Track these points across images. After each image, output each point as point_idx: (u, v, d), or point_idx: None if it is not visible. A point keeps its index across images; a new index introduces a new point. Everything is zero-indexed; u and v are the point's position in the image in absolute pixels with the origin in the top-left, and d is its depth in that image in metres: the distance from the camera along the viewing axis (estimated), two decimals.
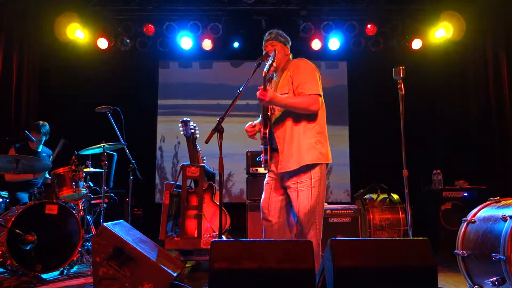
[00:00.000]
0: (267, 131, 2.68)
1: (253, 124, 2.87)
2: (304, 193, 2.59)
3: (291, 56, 2.86)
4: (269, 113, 2.73)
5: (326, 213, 4.36)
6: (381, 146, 6.38)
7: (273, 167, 2.75)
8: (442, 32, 5.92)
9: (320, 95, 2.64)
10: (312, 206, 2.59)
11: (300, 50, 6.13)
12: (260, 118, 2.94)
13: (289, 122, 2.66)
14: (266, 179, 2.82)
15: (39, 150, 4.50)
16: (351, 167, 6.90)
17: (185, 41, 6.22)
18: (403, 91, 2.94)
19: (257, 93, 2.53)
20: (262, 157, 2.74)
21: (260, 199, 2.81)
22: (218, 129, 2.51)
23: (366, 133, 6.72)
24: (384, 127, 6.31)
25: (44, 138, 4.46)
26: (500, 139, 5.37)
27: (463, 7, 5.75)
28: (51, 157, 4.58)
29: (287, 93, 2.66)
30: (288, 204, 2.72)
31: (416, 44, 6.15)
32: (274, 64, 2.60)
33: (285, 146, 2.65)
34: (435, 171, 4.84)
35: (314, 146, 2.62)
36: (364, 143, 6.72)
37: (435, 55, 6.18)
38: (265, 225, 2.73)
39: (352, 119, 7.00)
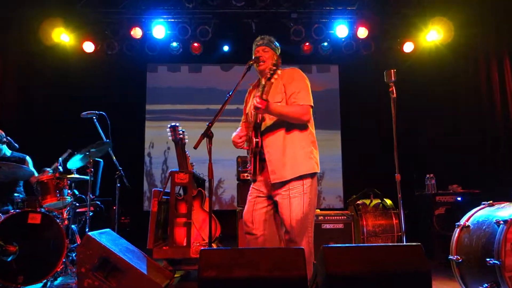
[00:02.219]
0: (259, 140, 2.66)
1: (240, 135, 2.84)
2: (296, 200, 2.58)
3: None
4: (259, 121, 2.71)
5: (319, 219, 4.36)
6: (373, 150, 6.41)
7: (260, 178, 2.73)
8: (433, 35, 5.99)
9: (312, 106, 2.68)
10: (304, 213, 2.58)
11: (291, 53, 6.16)
12: (239, 128, 2.94)
13: (281, 131, 2.66)
14: (249, 192, 2.79)
15: (8, 155, 4.35)
16: (343, 172, 6.92)
17: (173, 45, 6.21)
18: (394, 95, 2.97)
19: (255, 101, 2.51)
20: (250, 166, 2.73)
21: None
22: (207, 134, 2.50)
23: (358, 137, 6.75)
24: (376, 131, 6.35)
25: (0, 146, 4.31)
26: (492, 142, 5.43)
27: (454, 10, 5.83)
28: (29, 160, 4.48)
29: (280, 102, 2.67)
30: (272, 215, 2.71)
31: (408, 47, 6.21)
32: (279, 71, 2.55)
33: (277, 155, 2.64)
34: (428, 176, 4.87)
35: (310, 156, 2.66)
36: (356, 148, 6.76)
37: (427, 58, 6.24)
38: (250, 239, 2.70)
39: (344, 123, 7.04)
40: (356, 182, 6.30)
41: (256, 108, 2.52)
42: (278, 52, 2.88)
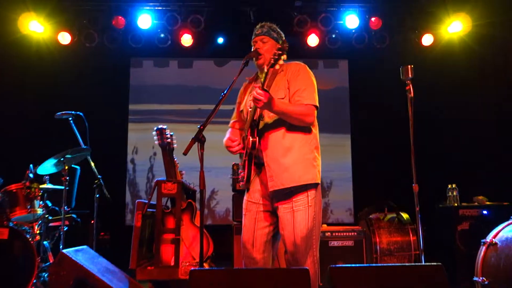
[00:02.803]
0: (256, 139, 2.65)
1: (232, 138, 2.81)
2: (300, 213, 2.57)
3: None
4: (256, 119, 2.70)
5: (326, 235, 4.36)
6: (388, 157, 6.42)
7: (257, 186, 2.72)
8: (457, 25, 6.01)
9: (317, 107, 2.67)
10: (309, 229, 2.57)
11: (294, 46, 6.18)
12: (229, 130, 2.94)
13: (282, 132, 2.65)
14: (245, 205, 2.75)
15: None
16: (353, 182, 6.91)
17: (161, 36, 6.23)
18: (412, 94, 2.98)
19: (255, 92, 2.45)
20: (242, 173, 2.70)
21: None
22: (199, 139, 2.50)
23: (370, 142, 6.76)
24: (391, 135, 6.36)
25: None
26: None
27: None
28: None
29: (283, 98, 2.66)
30: (274, 234, 2.70)
31: (427, 39, 6.24)
32: (284, 57, 2.55)
33: (277, 159, 2.62)
34: (450, 186, 4.89)
35: (313, 163, 2.65)
36: (368, 154, 6.76)
37: (449, 52, 6.27)
38: (247, 263, 2.66)
39: (354, 126, 7.05)
40: (368, 193, 6.31)
41: (256, 100, 2.44)
42: (281, 40, 2.87)
